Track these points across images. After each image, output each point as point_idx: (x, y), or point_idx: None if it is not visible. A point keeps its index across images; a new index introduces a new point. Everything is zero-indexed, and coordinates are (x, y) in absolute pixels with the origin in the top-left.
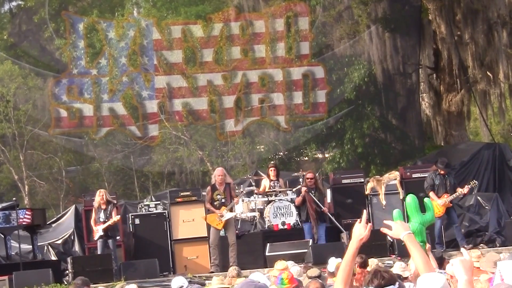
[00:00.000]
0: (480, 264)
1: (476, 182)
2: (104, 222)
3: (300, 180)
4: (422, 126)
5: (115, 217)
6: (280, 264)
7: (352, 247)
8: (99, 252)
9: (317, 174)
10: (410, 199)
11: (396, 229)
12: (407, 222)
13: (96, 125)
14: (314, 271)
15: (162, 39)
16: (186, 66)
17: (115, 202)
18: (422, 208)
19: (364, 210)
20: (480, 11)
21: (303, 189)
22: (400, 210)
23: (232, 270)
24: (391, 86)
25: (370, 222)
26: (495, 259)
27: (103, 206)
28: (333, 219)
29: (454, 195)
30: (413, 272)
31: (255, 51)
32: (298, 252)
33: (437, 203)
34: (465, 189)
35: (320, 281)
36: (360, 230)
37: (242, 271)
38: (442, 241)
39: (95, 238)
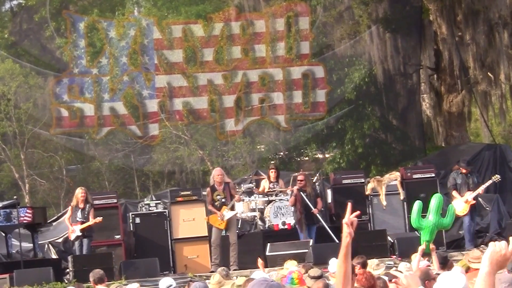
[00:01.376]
0: (478, 265)
1: (499, 176)
2: (82, 222)
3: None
4: (423, 127)
5: (98, 218)
6: (290, 264)
7: (342, 245)
8: (77, 253)
9: (317, 175)
10: (437, 198)
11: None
12: (424, 217)
13: (97, 125)
14: (316, 271)
15: (162, 39)
16: (186, 66)
17: (93, 202)
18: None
19: (349, 203)
20: (481, 11)
21: (295, 188)
22: (421, 202)
23: (221, 271)
24: (392, 86)
25: (355, 218)
26: None
27: (81, 205)
28: (323, 221)
29: (476, 191)
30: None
31: (255, 51)
32: (298, 252)
33: (460, 201)
34: (487, 184)
35: (325, 280)
36: (348, 229)
37: (242, 270)
38: (471, 238)
39: (72, 239)
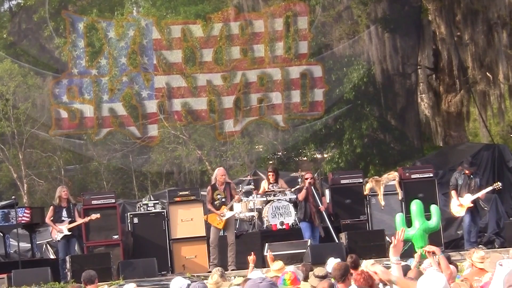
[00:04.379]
0: (484, 265)
1: (500, 183)
2: (70, 221)
3: (299, 180)
4: (421, 127)
5: (94, 215)
6: (276, 265)
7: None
8: (60, 253)
9: (315, 175)
10: (415, 205)
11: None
12: (409, 227)
13: (96, 126)
14: (321, 270)
15: (161, 39)
16: (185, 66)
17: (74, 202)
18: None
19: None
20: (480, 11)
21: (307, 182)
22: (402, 214)
23: (216, 271)
24: (390, 86)
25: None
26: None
27: (64, 204)
28: (326, 218)
29: (475, 195)
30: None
31: (254, 51)
32: (296, 252)
33: (457, 203)
34: (487, 189)
35: (330, 280)
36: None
37: (240, 270)
38: (469, 238)
39: (58, 238)
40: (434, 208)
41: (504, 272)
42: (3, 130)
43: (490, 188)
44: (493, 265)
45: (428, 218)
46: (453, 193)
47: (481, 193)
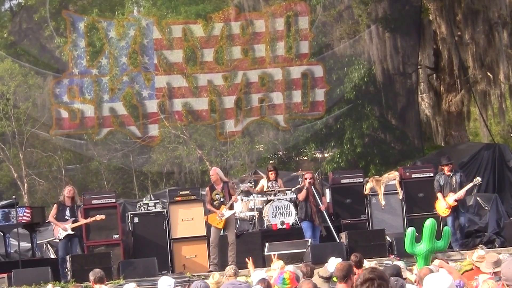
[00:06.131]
0: (480, 265)
1: (480, 179)
2: (74, 221)
3: (299, 180)
4: (422, 126)
5: (98, 216)
6: (276, 264)
7: None
8: (60, 252)
9: (316, 174)
10: (429, 223)
11: None
12: (418, 242)
13: (97, 125)
14: (326, 271)
15: (162, 39)
16: (186, 66)
17: (78, 202)
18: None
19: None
20: (481, 11)
21: (307, 182)
22: (413, 229)
23: (229, 269)
24: (391, 86)
25: None
26: (493, 260)
27: (68, 204)
28: (327, 218)
29: (456, 194)
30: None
31: (255, 51)
32: (296, 251)
33: (443, 204)
34: (468, 186)
35: (313, 281)
36: None
37: (241, 270)
38: (453, 239)
39: (61, 237)
40: (447, 231)
41: None
42: (3, 130)
43: (470, 185)
44: (489, 265)
45: (438, 237)
46: (438, 195)
47: (462, 191)
